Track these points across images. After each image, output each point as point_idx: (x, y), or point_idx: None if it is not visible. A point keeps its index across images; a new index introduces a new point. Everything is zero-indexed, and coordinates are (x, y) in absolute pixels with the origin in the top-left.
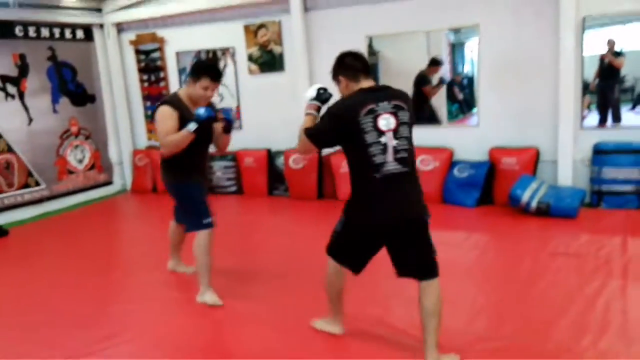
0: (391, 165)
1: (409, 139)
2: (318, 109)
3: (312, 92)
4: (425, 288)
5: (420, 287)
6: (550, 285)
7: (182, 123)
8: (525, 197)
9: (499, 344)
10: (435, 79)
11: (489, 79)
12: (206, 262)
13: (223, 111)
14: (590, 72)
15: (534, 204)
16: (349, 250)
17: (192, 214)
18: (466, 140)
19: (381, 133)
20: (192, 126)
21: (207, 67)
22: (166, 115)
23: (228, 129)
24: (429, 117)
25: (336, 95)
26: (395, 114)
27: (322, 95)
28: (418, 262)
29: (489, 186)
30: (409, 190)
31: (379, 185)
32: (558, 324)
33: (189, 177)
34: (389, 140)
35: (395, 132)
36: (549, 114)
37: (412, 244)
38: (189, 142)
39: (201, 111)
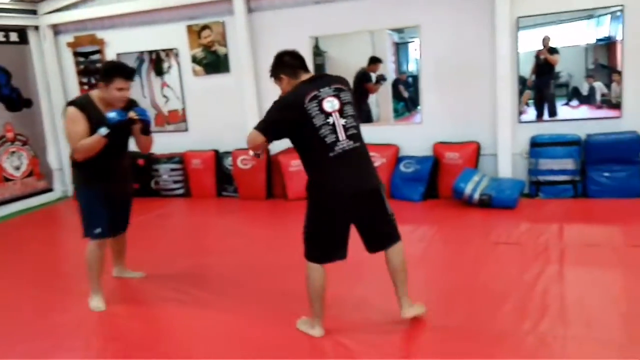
0: (344, 142)
1: (354, 116)
2: None
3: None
4: (391, 252)
5: (387, 253)
6: (493, 273)
7: (93, 126)
8: (468, 189)
9: (447, 331)
10: (374, 77)
11: (431, 78)
12: (92, 275)
13: (138, 111)
14: (528, 69)
15: (476, 196)
16: (325, 239)
17: (84, 221)
18: (411, 136)
19: (328, 114)
20: (103, 130)
21: (118, 67)
22: (74, 118)
23: (146, 130)
24: (368, 114)
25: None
26: (337, 96)
27: None
28: (383, 231)
29: (434, 180)
30: (363, 164)
31: (334, 162)
32: (501, 310)
33: (89, 182)
34: (337, 119)
35: (341, 112)
36: (488, 109)
37: (373, 215)
38: (102, 146)
39: (112, 115)
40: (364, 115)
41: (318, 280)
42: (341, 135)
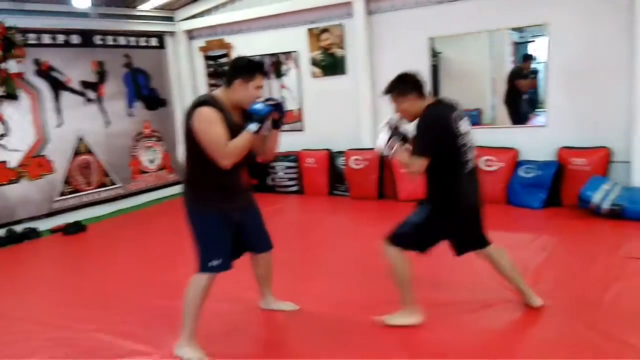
0: (471, 162)
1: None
2: (403, 141)
3: (384, 142)
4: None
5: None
6: (625, 289)
7: (227, 129)
8: (596, 198)
9: (568, 347)
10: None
11: (559, 79)
12: (194, 311)
13: (272, 101)
14: None
15: (605, 206)
16: (425, 239)
17: (199, 251)
18: (533, 140)
19: (464, 135)
20: (253, 126)
21: (257, 64)
22: (213, 119)
23: (279, 122)
24: (526, 109)
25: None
26: (466, 120)
27: (397, 132)
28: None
29: (556, 187)
30: (478, 181)
31: (466, 178)
32: (633, 331)
33: (212, 206)
34: (469, 141)
35: (469, 135)
36: (622, 113)
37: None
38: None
39: (259, 106)
40: (521, 112)
41: (406, 269)
42: (467, 156)
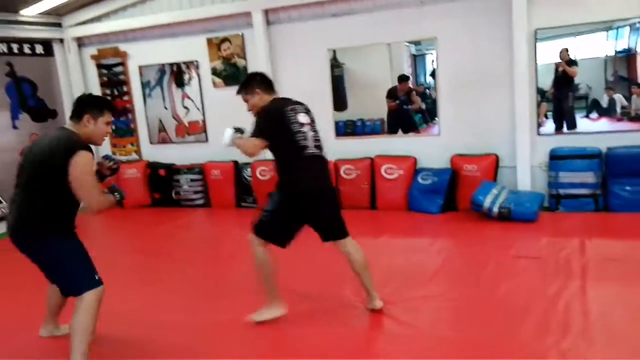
0: (311, 149)
1: (318, 132)
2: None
3: (228, 136)
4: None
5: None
6: (513, 287)
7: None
8: (487, 202)
9: (464, 346)
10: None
11: (448, 90)
12: (89, 338)
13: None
14: (547, 81)
15: (495, 209)
16: (281, 225)
17: (76, 272)
18: (429, 148)
19: (302, 124)
20: (119, 197)
21: (106, 101)
22: (91, 166)
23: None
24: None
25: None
26: (307, 114)
27: (240, 131)
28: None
29: (452, 193)
30: (321, 168)
31: (305, 162)
32: (521, 325)
33: (65, 231)
34: (308, 131)
35: (310, 126)
36: (507, 121)
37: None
38: None
39: (118, 192)
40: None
41: (270, 265)
42: (310, 143)
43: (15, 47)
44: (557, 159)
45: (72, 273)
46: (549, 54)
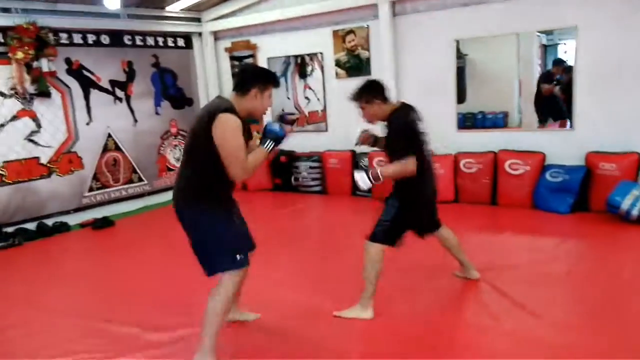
0: (429, 156)
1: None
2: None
3: (363, 178)
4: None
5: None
6: None
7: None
8: (626, 204)
9: (594, 352)
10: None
11: (587, 82)
12: (219, 323)
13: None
14: None
15: (635, 212)
16: (400, 231)
17: (219, 250)
18: (560, 144)
19: (425, 134)
20: (270, 145)
21: (272, 73)
22: (237, 129)
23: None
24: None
25: None
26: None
27: (364, 165)
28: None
29: (584, 192)
30: (435, 174)
31: (428, 170)
32: None
33: (219, 204)
34: (427, 139)
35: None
36: None
37: None
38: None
39: (276, 128)
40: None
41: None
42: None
43: (160, 40)
44: None
45: (210, 251)
46: None
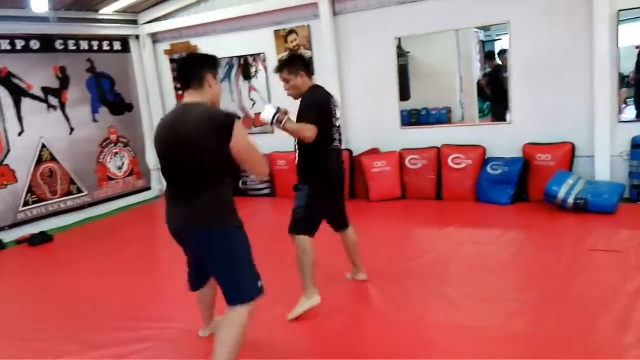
0: (337, 142)
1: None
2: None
3: (270, 114)
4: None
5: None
6: (590, 282)
7: None
8: (562, 193)
9: (537, 343)
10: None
11: (522, 76)
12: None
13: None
14: (628, 66)
15: (570, 200)
16: (318, 217)
17: (246, 273)
18: (499, 137)
19: (337, 119)
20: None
21: (208, 55)
22: (246, 130)
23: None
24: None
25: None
26: (338, 109)
27: (282, 112)
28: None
29: (523, 183)
30: (342, 160)
31: (333, 153)
32: (599, 322)
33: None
34: (338, 125)
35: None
36: (584, 108)
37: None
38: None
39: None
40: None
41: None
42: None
43: (95, 44)
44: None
45: (240, 275)
46: (630, 37)
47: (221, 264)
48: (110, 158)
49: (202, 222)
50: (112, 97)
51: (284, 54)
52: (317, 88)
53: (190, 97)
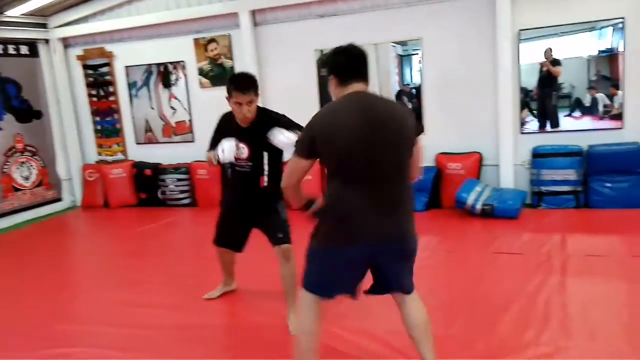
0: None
1: None
2: None
3: (229, 145)
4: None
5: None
6: (494, 283)
7: None
8: (470, 199)
9: (444, 343)
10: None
11: (434, 89)
12: None
13: None
14: (531, 81)
15: (478, 206)
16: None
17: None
18: None
19: None
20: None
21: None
22: None
23: None
24: None
25: None
26: None
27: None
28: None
29: (436, 191)
30: None
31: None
32: (502, 320)
33: None
34: None
35: None
36: (490, 120)
37: None
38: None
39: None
40: None
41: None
42: None
43: None
44: (539, 156)
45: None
46: (533, 54)
47: (412, 263)
48: (17, 168)
49: (413, 224)
50: (18, 104)
51: (204, 63)
52: (269, 111)
53: (358, 88)
